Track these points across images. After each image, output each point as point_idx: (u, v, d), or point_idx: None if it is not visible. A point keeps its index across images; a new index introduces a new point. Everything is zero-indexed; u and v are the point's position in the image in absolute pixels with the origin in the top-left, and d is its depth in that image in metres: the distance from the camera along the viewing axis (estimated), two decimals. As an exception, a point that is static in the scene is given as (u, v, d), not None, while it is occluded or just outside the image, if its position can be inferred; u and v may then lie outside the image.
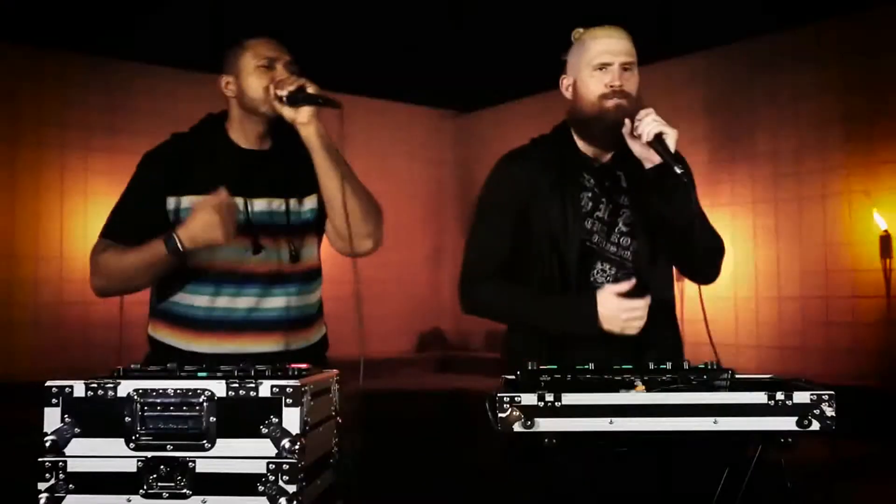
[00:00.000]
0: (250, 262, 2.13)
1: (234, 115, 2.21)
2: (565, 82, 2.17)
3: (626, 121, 1.99)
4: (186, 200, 2.11)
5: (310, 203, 2.21)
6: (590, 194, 2.11)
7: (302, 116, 2.05)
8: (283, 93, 2.05)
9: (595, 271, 2.09)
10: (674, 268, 2.19)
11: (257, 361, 1.70)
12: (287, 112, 2.06)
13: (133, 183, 2.20)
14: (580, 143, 2.17)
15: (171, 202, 2.12)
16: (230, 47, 2.21)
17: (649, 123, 1.93)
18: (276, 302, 2.15)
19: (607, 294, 1.96)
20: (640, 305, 1.95)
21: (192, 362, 1.76)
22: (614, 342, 2.02)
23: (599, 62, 2.05)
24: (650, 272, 2.07)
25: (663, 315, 2.11)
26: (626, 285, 1.97)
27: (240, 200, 2.12)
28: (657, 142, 1.91)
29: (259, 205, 2.15)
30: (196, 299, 2.13)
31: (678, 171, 1.86)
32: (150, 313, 2.22)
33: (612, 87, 2.03)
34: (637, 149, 1.98)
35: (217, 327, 2.11)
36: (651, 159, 1.95)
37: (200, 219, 1.95)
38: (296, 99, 2.05)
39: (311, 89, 2.05)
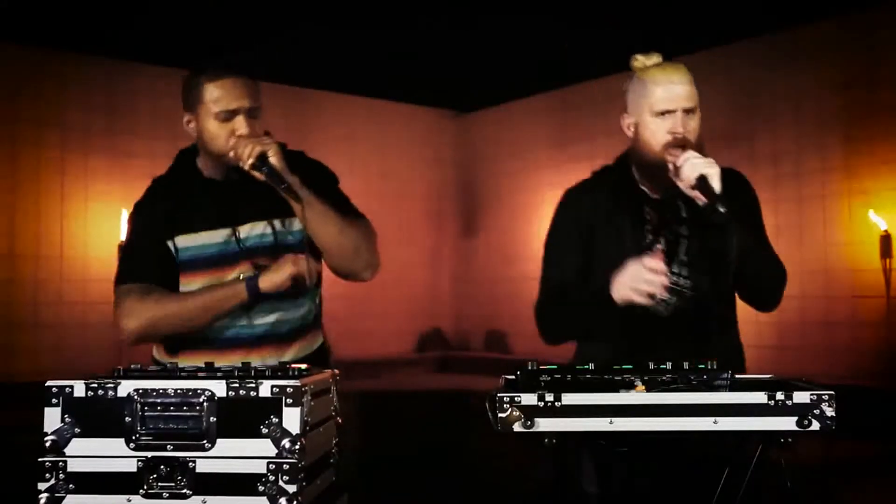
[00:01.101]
0: None
1: (201, 150, 2.19)
2: (626, 121, 2.17)
3: (670, 165, 2.01)
4: (179, 241, 2.13)
5: (298, 224, 2.17)
6: (650, 227, 2.15)
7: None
8: (245, 165, 2.01)
9: (655, 300, 2.07)
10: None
11: None
12: (255, 174, 2.03)
13: (134, 230, 2.21)
14: (639, 179, 2.20)
15: (171, 245, 2.14)
16: (188, 82, 2.13)
17: (691, 167, 1.95)
18: (265, 318, 2.16)
19: (630, 263, 1.96)
20: (657, 267, 1.92)
21: None
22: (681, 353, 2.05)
23: (662, 109, 2.06)
24: (710, 301, 2.08)
25: (725, 343, 2.12)
26: (653, 259, 1.95)
27: (226, 231, 2.14)
28: (701, 184, 1.92)
29: (244, 231, 2.16)
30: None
31: (722, 210, 1.87)
32: None
33: (675, 134, 2.04)
34: (686, 190, 1.99)
35: (207, 346, 2.13)
36: (699, 198, 1.96)
37: (280, 269, 2.04)
38: (258, 169, 2.01)
39: (272, 156, 2.01)
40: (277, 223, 2.17)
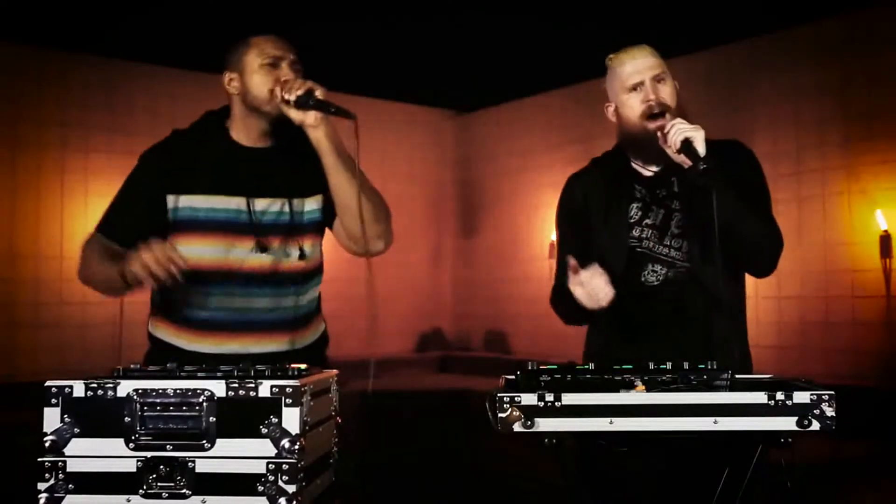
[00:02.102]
0: (253, 262, 2.12)
1: (236, 113, 2.19)
2: (609, 109, 2.26)
3: (658, 133, 2.07)
4: (185, 199, 2.09)
5: (314, 203, 2.19)
6: (639, 204, 2.21)
7: (310, 119, 2.02)
8: (291, 96, 2.02)
9: (646, 272, 2.17)
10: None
11: (259, 361, 1.69)
12: (294, 114, 2.03)
13: (132, 180, 2.17)
14: (633, 159, 2.26)
15: (170, 200, 2.10)
16: (234, 43, 2.19)
17: (675, 132, 2.01)
18: (280, 302, 2.15)
19: (571, 284, 2.02)
20: (586, 277, 1.97)
21: (193, 362, 1.74)
22: (677, 336, 2.11)
23: (632, 83, 2.15)
24: (703, 270, 2.12)
25: (722, 309, 2.14)
26: (587, 274, 1.98)
27: (241, 200, 2.12)
28: (685, 147, 1.98)
29: (261, 204, 2.14)
30: (199, 299, 2.12)
31: (700, 168, 1.93)
32: (150, 310, 2.22)
33: (648, 102, 2.12)
34: (672, 155, 2.05)
35: (220, 328, 2.11)
36: (686, 163, 2.02)
37: (136, 259, 1.90)
38: (304, 103, 2.02)
39: (319, 94, 2.02)
40: (296, 202, 2.17)
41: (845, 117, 6.85)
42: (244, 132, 2.18)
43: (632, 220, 2.20)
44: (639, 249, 2.17)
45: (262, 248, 2.11)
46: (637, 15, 6.56)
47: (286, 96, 2.03)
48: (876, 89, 6.68)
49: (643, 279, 2.16)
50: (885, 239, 6.52)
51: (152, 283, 1.91)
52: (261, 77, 2.11)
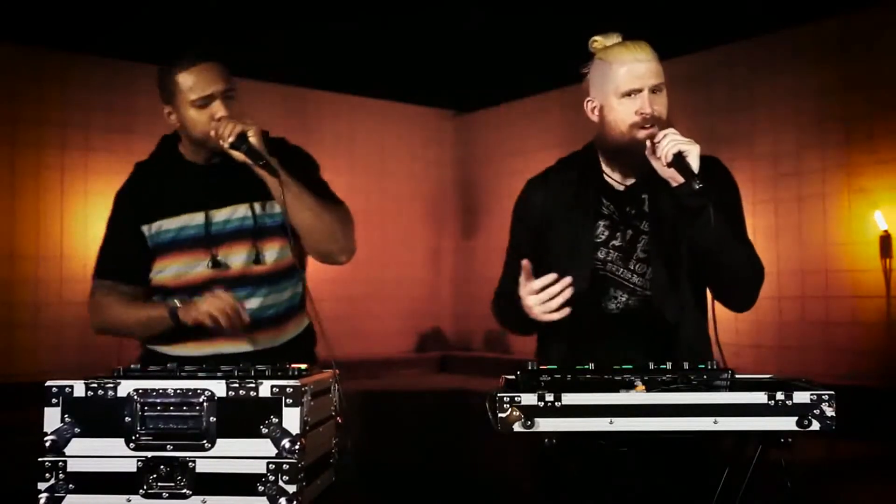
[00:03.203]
0: (227, 269, 2.18)
1: (184, 138, 2.25)
2: (590, 105, 2.06)
3: (647, 142, 1.92)
4: (156, 226, 2.18)
5: (278, 207, 2.21)
6: (607, 222, 2.06)
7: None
8: (225, 144, 2.05)
9: (606, 298, 2.04)
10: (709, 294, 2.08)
11: (238, 361, 1.72)
12: (235, 154, 2.06)
13: (112, 222, 2.28)
14: (605, 167, 2.10)
15: (146, 230, 2.19)
16: (163, 75, 2.22)
17: (668, 144, 1.85)
18: (255, 303, 2.19)
19: (523, 290, 1.90)
20: (539, 287, 1.84)
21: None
22: (632, 351, 1.97)
23: (628, 89, 1.95)
24: (666, 299, 2.00)
25: (683, 342, 2.01)
26: (542, 280, 1.86)
27: (200, 215, 2.17)
28: (677, 161, 1.84)
29: (222, 214, 2.19)
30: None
31: (696, 186, 1.80)
32: None
33: (642, 114, 1.94)
34: (660, 168, 1.91)
35: (198, 333, 2.15)
36: (675, 179, 1.89)
37: (204, 305, 2.05)
38: (238, 148, 2.04)
39: (252, 136, 2.04)
40: (258, 206, 2.21)
41: (845, 117, 6.86)
42: (195, 153, 2.25)
43: (598, 241, 2.04)
44: (601, 272, 2.03)
45: (215, 264, 2.16)
46: (637, 15, 6.56)
47: (220, 142, 2.06)
48: (876, 89, 6.68)
49: (603, 305, 2.03)
50: (885, 239, 6.52)
51: (212, 325, 2.04)
52: (194, 116, 2.14)
